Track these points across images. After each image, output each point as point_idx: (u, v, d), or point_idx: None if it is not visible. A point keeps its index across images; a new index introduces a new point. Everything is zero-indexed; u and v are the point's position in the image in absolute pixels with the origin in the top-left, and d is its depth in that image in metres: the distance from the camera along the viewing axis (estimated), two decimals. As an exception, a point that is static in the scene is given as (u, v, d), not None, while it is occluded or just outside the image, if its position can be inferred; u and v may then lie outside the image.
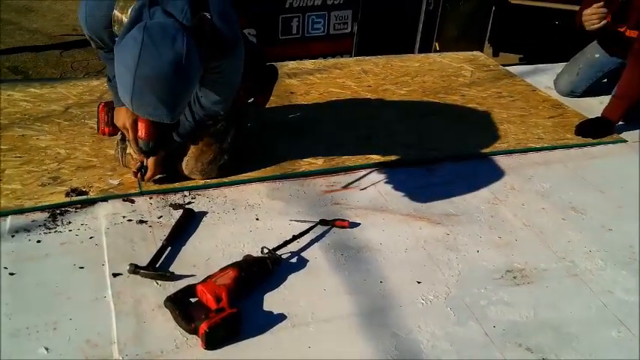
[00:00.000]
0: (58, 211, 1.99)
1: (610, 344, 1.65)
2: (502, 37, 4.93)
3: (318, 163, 2.39)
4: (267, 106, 2.63)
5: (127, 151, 2.20)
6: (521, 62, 4.67)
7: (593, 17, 2.83)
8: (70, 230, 1.91)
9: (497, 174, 2.43)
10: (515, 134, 2.74)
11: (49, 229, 1.91)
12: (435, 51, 4.73)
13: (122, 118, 2.05)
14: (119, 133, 2.21)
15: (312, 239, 1.96)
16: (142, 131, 1.93)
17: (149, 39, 1.52)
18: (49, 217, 1.96)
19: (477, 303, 1.75)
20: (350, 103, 2.96)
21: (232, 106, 2.10)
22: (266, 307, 1.68)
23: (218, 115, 2.09)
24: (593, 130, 2.78)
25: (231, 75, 1.94)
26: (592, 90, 3.19)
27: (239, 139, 2.29)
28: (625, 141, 2.77)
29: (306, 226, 1.99)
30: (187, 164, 2.19)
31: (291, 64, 3.41)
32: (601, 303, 1.79)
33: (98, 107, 2.29)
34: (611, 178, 2.45)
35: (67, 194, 2.06)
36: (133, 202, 2.08)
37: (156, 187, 2.16)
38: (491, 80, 3.35)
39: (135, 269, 1.73)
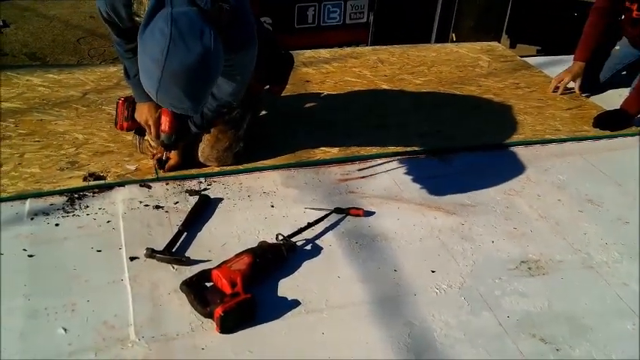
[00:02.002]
0: (76, 196, 2.01)
1: (624, 336, 1.64)
2: (520, 28, 4.88)
3: (333, 151, 2.40)
4: (283, 94, 2.63)
5: (145, 137, 2.22)
6: (539, 54, 4.62)
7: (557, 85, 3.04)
8: (87, 214, 1.93)
9: (513, 165, 2.42)
10: (532, 125, 2.72)
11: (67, 212, 1.93)
12: (452, 42, 4.70)
13: (145, 113, 2.08)
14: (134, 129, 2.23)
15: (327, 227, 1.97)
16: (165, 125, 1.98)
17: (177, 32, 1.52)
18: (67, 201, 1.98)
19: (491, 293, 1.75)
20: (365, 92, 2.96)
21: (247, 94, 2.11)
22: (280, 293, 1.70)
23: (231, 105, 2.10)
24: (612, 123, 2.75)
25: (243, 68, 1.95)
26: (611, 82, 3.15)
27: (254, 127, 2.29)
28: (643, 134, 2.75)
29: (320, 213, 1.99)
30: (203, 151, 2.21)
31: (307, 53, 3.41)
32: (616, 295, 1.78)
33: (117, 102, 2.31)
34: (629, 171, 2.42)
35: (85, 179, 2.09)
36: (149, 187, 2.10)
37: (172, 173, 2.17)
38: (508, 71, 3.32)
39: (151, 253, 1.75)
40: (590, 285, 1.82)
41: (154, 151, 2.17)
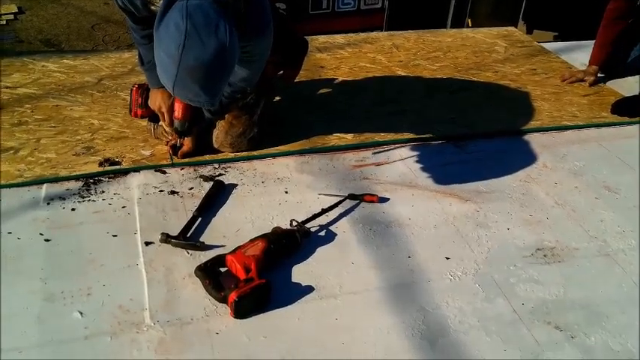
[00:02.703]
0: (91, 181, 2.03)
1: (641, 325, 1.63)
2: (537, 13, 4.81)
3: (348, 137, 2.39)
4: (297, 80, 2.62)
5: (159, 123, 2.22)
6: (556, 39, 4.56)
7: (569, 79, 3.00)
8: (103, 199, 1.95)
9: (529, 151, 2.39)
10: (549, 112, 2.68)
11: (83, 197, 1.95)
12: (468, 27, 4.65)
13: (158, 100, 2.08)
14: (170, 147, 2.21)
15: (341, 213, 1.96)
16: (178, 112, 1.99)
17: (193, 28, 1.51)
18: (83, 186, 2.00)
19: (506, 280, 1.74)
20: (380, 78, 2.94)
21: (261, 79, 2.11)
22: (294, 278, 1.70)
23: (246, 91, 2.09)
24: (630, 109, 2.71)
25: (259, 55, 1.94)
26: (630, 67, 3.09)
27: (268, 113, 2.28)
28: (663, 120, 2.70)
29: (335, 200, 1.99)
30: (217, 138, 2.21)
31: (322, 39, 3.38)
32: (633, 283, 1.76)
33: (131, 90, 2.32)
34: (647, 158, 2.39)
35: (101, 164, 2.10)
36: (164, 173, 2.11)
37: (186, 159, 2.18)
38: (525, 57, 3.28)
39: (166, 238, 1.76)
40: (606, 273, 1.80)
41: (169, 138, 2.18)
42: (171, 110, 2.06)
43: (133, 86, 2.34)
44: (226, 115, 2.18)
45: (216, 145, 2.23)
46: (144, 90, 2.23)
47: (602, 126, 2.61)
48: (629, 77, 3.06)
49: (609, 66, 3.01)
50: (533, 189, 2.16)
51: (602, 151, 2.43)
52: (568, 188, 2.18)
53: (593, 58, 3.00)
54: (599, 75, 2.99)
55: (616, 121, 2.65)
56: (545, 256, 1.85)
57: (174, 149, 2.16)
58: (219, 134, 2.21)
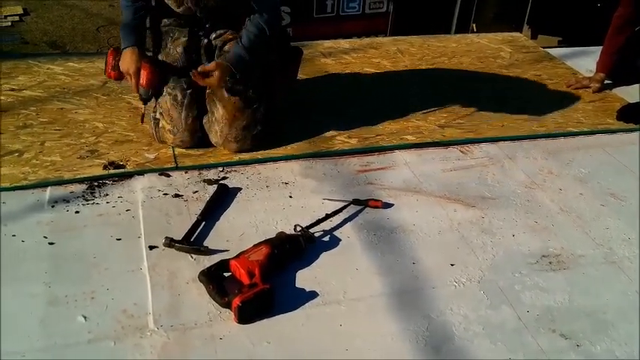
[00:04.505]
0: (96, 184, 2.03)
1: (647, 333, 1.62)
2: (541, 18, 4.80)
3: (352, 142, 2.38)
4: (302, 84, 2.61)
5: (160, 125, 2.23)
6: (561, 45, 4.55)
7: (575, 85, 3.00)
8: (107, 202, 1.94)
9: (534, 158, 2.39)
10: (554, 118, 2.68)
11: (87, 200, 1.95)
12: (472, 32, 4.64)
13: (126, 63, 2.16)
14: (142, 113, 2.27)
15: (345, 218, 1.96)
16: (143, 79, 2.14)
17: None
18: (87, 189, 2.00)
19: (511, 287, 1.73)
20: (385, 83, 2.93)
21: (261, 76, 2.20)
22: (298, 284, 1.69)
23: (266, 34, 2.15)
24: (636, 115, 2.70)
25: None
26: (636, 74, 3.08)
27: (272, 113, 2.30)
28: (668, 127, 2.69)
29: (339, 205, 1.99)
30: (222, 131, 2.22)
31: (327, 44, 3.39)
32: (639, 291, 1.75)
33: (108, 51, 2.33)
34: (653, 165, 2.38)
35: (105, 167, 2.10)
36: (168, 176, 2.10)
37: (191, 162, 2.18)
38: (530, 62, 3.27)
39: (170, 243, 1.76)
40: (611, 280, 1.79)
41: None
42: (137, 75, 2.14)
43: (110, 48, 2.35)
44: (229, 109, 2.20)
45: (220, 140, 2.24)
46: (118, 53, 2.25)
47: (607, 132, 2.60)
48: (636, 84, 3.04)
49: (617, 73, 3.00)
50: (539, 195, 2.15)
51: (608, 158, 2.42)
52: (573, 195, 2.17)
53: (600, 65, 2.99)
54: (606, 82, 2.98)
55: (621, 128, 2.64)
56: (550, 263, 1.84)
57: (143, 116, 2.25)
58: (223, 127, 2.22)
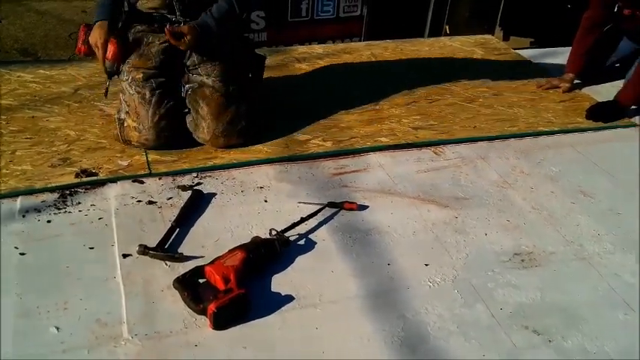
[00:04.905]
0: (67, 192, 2.01)
1: (616, 326, 1.65)
2: (513, 20, 4.87)
3: (327, 145, 2.39)
4: (276, 89, 2.63)
5: (125, 124, 2.24)
6: (533, 46, 4.62)
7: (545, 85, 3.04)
8: (79, 211, 1.93)
9: (506, 157, 2.42)
10: (525, 118, 2.72)
11: (59, 209, 1.93)
12: (445, 34, 4.69)
13: (95, 36, 2.19)
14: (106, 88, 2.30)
15: (321, 221, 1.96)
16: (109, 53, 2.19)
17: None
18: (59, 198, 1.97)
19: (484, 285, 1.75)
20: (359, 87, 2.95)
21: (238, 74, 2.32)
22: (274, 288, 1.69)
23: (234, 11, 2.24)
24: (605, 114, 2.75)
25: None
26: (605, 73, 3.14)
27: (254, 111, 2.35)
28: (636, 125, 2.74)
29: (314, 208, 1.99)
30: (209, 127, 2.26)
31: (301, 49, 3.40)
32: (608, 286, 1.79)
33: (79, 27, 2.32)
34: (621, 162, 2.43)
35: (77, 175, 2.08)
36: (142, 182, 2.09)
37: (165, 168, 2.17)
38: (502, 64, 3.32)
39: (144, 250, 1.75)
40: (582, 276, 1.82)
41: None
42: (104, 48, 2.17)
43: (82, 24, 2.33)
44: (213, 105, 2.26)
45: (207, 137, 2.27)
46: (89, 28, 2.25)
47: (577, 131, 2.65)
48: (604, 83, 3.10)
49: (586, 73, 3.05)
50: (511, 194, 2.18)
51: (578, 156, 2.46)
52: (544, 193, 2.21)
53: (570, 65, 3.05)
54: (575, 82, 3.04)
55: (591, 127, 2.69)
56: (522, 260, 1.86)
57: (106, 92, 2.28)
58: (210, 123, 2.26)
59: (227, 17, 2.24)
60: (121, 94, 2.31)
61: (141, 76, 2.24)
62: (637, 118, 2.79)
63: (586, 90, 3.04)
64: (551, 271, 1.83)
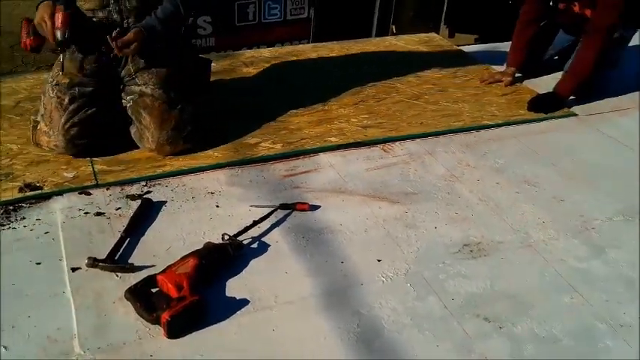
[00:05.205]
0: (11, 207, 1.95)
1: (563, 310, 1.71)
2: (458, 18, 4.98)
3: (277, 147, 2.40)
4: (224, 94, 2.62)
5: (38, 128, 2.22)
6: (477, 42, 4.73)
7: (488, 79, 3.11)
8: (24, 226, 1.88)
9: (452, 152, 2.48)
10: (469, 112, 2.79)
11: (3, 225, 1.87)
12: (392, 33, 4.76)
13: (41, 12, 2.11)
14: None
15: (273, 224, 1.97)
16: (58, 21, 2.07)
17: None
18: (2, 214, 1.92)
19: (435, 277, 1.79)
20: (307, 88, 2.96)
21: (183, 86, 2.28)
22: (229, 293, 1.69)
23: (179, 12, 2.22)
24: (545, 105, 2.85)
25: None
26: (544, 66, 3.25)
27: (198, 114, 2.34)
28: (576, 115, 2.85)
29: (266, 210, 1.99)
30: (153, 136, 2.23)
31: (248, 53, 3.40)
32: (554, 271, 1.85)
33: (21, 24, 2.24)
34: (563, 151, 2.52)
35: (21, 189, 2.02)
36: (89, 194, 2.05)
37: (112, 178, 2.13)
38: (446, 61, 3.38)
39: (93, 262, 1.72)
40: (529, 263, 1.88)
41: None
42: (52, 19, 2.08)
43: (23, 19, 2.27)
44: (156, 113, 2.23)
45: (153, 146, 2.25)
46: (30, 21, 2.17)
47: (519, 123, 2.73)
48: (543, 75, 3.20)
49: (526, 66, 3.15)
50: (458, 187, 2.24)
51: (521, 147, 2.54)
52: (490, 184, 2.27)
53: (511, 60, 3.14)
54: (516, 75, 3.13)
55: (532, 118, 2.78)
56: (471, 251, 1.91)
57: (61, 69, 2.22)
58: (153, 132, 2.23)
59: (172, 19, 2.22)
60: (42, 95, 2.27)
61: (67, 82, 2.21)
62: (576, 107, 2.89)
63: (527, 83, 3.14)
64: (500, 260, 1.88)
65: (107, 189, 2.09)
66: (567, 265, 1.88)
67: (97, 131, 2.24)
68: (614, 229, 2.05)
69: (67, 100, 2.19)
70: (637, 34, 3.11)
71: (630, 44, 3.09)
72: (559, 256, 1.91)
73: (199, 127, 2.33)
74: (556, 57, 3.25)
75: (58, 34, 2.08)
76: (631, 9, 2.79)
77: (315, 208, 2.06)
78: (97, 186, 2.09)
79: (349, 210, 2.07)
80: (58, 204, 1.99)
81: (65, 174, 2.13)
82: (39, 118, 2.24)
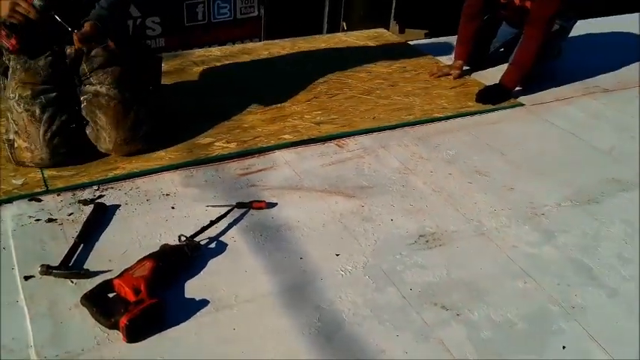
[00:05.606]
0: (-43, 218, 1.89)
1: (518, 295, 1.76)
2: (407, 13, 5.05)
3: (231, 146, 2.39)
4: (174, 94, 2.59)
5: (16, 146, 2.15)
6: (427, 37, 4.81)
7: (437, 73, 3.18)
8: (-28, 236, 1.82)
9: (406, 145, 2.52)
10: (420, 106, 2.84)
11: (-51, 237, 1.81)
12: (343, 30, 4.80)
13: (7, 1, 2.02)
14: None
15: (230, 223, 1.96)
16: None
17: None
18: (-53, 225, 1.85)
19: (393, 269, 1.82)
20: (259, 86, 2.96)
21: (136, 80, 2.27)
22: (188, 294, 1.68)
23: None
24: (492, 97, 2.93)
25: None
26: (491, 59, 3.34)
27: (154, 113, 2.32)
28: (523, 105, 2.94)
29: (223, 210, 1.99)
30: (110, 136, 2.21)
31: (198, 52, 3.37)
32: (507, 257, 1.91)
33: None
34: (511, 141, 2.60)
35: (-33, 199, 1.96)
36: (39, 200, 2.00)
37: (63, 183, 2.08)
38: (395, 56, 3.44)
39: (47, 270, 1.68)
40: (483, 251, 1.93)
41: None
42: None
43: None
44: (111, 113, 2.21)
45: (111, 146, 2.22)
46: (2, 22, 2.10)
47: (469, 115, 2.80)
48: (490, 67, 3.29)
49: (473, 59, 3.23)
50: (412, 180, 2.28)
51: (471, 138, 2.61)
52: (443, 175, 2.32)
53: (457, 53, 3.21)
54: (464, 68, 3.20)
55: (481, 110, 2.85)
56: (427, 241, 1.95)
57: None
58: (110, 132, 2.20)
59: (117, 4, 2.22)
60: (8, 113, 2.19)
61: (29, 92, 2.13)
62: (523, 97, 2.98)
63: (475, 75, 3.22)
64: (455, 249, 1.93)
65: (58, 195, 2.04)
66: (519, 251, 1.94)
67: (74, 136, 2.20)
68: (562, 214, 2.13)
69: (38, 111, 2.12)
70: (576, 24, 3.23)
71: (570, 35, 3.20)
72: (511, 243, 1.97)
73: (155, 127, 2.31)
74: (502, 49, 3.34)
75: (37, 3, 2.01)
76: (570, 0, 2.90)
77: (272, 205, 2.07)
78: (47, 192, 2.04)
79: (306, 206, 2.08)
80: (7, 212, 1.93)
81: (14, 181, 2.07)
82: (12, 136, 2.15)
